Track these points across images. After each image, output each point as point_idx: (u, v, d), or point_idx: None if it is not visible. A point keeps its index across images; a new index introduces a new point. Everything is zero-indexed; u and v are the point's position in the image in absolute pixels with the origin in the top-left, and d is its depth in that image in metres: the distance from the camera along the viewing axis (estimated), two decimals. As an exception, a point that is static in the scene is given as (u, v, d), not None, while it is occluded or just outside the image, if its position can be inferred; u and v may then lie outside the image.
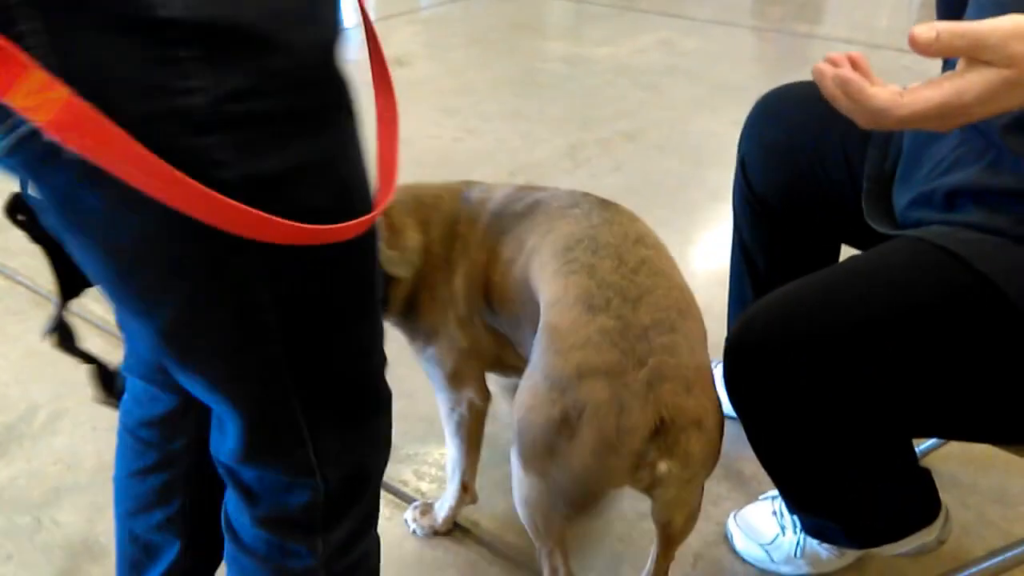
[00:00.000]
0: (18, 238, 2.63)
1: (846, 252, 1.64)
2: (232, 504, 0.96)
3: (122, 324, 1.04)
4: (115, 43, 0.64)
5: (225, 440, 0.90)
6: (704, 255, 2.65)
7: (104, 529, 1.64)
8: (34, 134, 0.63)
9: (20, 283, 2.35)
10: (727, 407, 1.26)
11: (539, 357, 1.19)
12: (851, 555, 1.55)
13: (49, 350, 2.09)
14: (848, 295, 1.23)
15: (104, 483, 1.74)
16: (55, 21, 0.61)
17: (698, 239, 2.77)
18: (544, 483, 1.20)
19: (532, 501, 1.24)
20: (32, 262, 2.43)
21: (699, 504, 1.32)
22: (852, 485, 1.31)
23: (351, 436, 0.93)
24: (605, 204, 1.39)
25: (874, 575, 1.58)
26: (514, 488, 1.26)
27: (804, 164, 1.56)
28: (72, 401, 1.94)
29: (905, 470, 1.38)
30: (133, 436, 1.16)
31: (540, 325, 1.23)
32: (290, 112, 0.72)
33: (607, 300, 1.17)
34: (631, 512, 1.71)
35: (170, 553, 1.20)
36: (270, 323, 0.79)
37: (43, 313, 2.25)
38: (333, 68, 0.74)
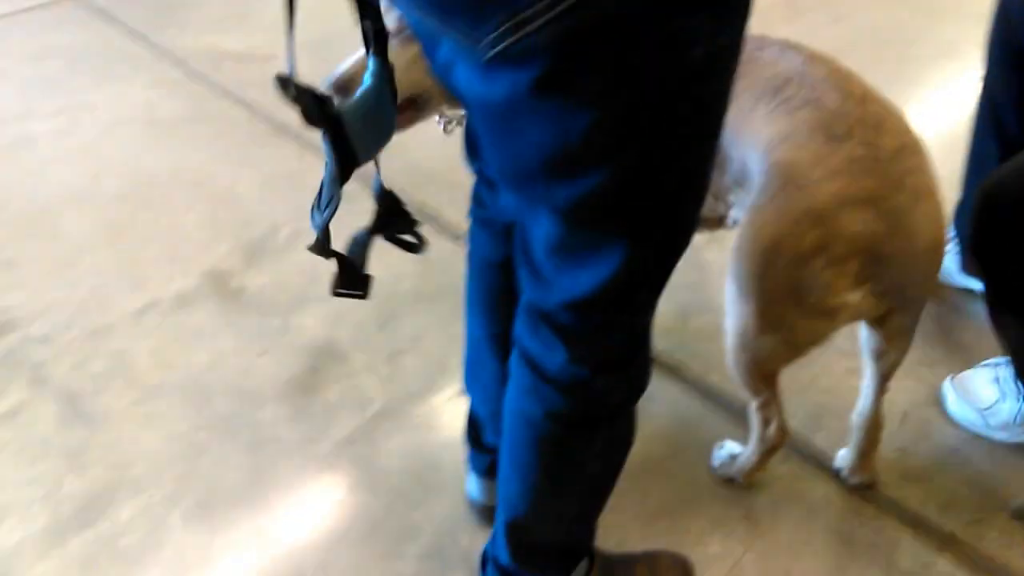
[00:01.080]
0: (255, 71, 2.79)
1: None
2: (538, 342, 1.00)
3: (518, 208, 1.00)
4: None
5: (554, 290, 0.94)
6: (932, 117, 2.49)
7: (343, 335, 1.82)
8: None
9: (257, 113, 2.54)
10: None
11: (773, 195, 1.19)
12: (1074, 428, 1.51)
13: (287, 174, 2.28)
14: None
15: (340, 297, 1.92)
16: None
17: (926, 99, 2.60)
18: (779, 326, 1.23)
19: (757, 344, 1.27)
20: (264, 95, 2.60)
21: (912, 336, 1.34)
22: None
23: (669, 269, 0.96)
24: (792, 44, 1.33)
25: (1097, 451, 1.53)
26: (735, 334, 1.29)
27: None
28: (309, 222, 2.11)
29: None
30: None
31: (765, 165, 1.22)
32: None
33: (848, 129, 1.15)
34: (838, 367, 1.71)
35: None
36: (687, 143, 0.84)
37: (280, 141, 2.42)
38: None
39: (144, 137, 2.45)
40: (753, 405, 1.40)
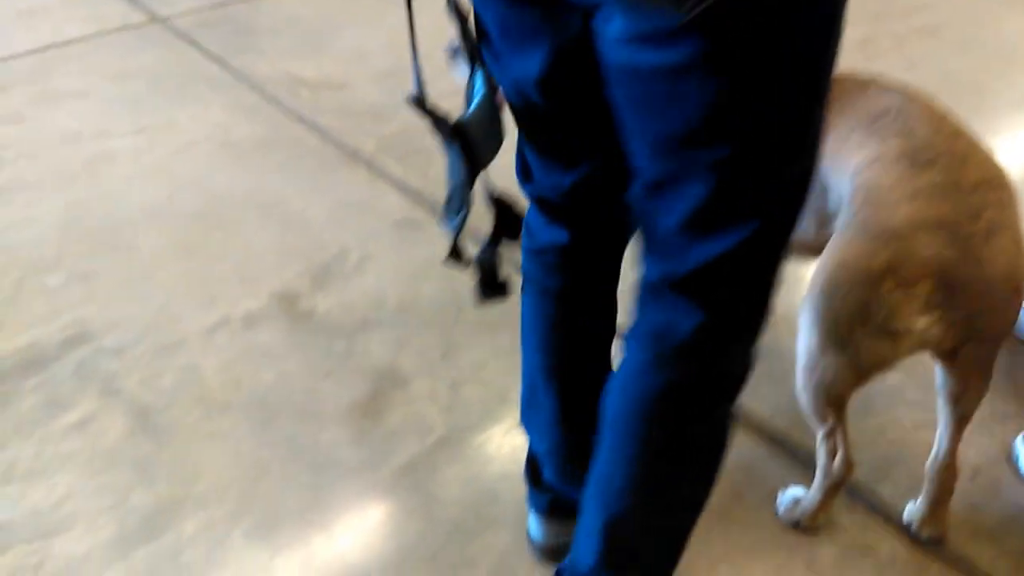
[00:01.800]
0: (329, 98, 2.85)
1: None
2: (666, 312, 1.01)
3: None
4: None
5: (688, 259, 0.96)
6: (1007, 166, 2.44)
7: (407, 361, 1.84)
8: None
9: (330, 139, 2.59)
10: None
11: (853, 215, 1.21)
12: None
13: (357, 201, 2.33)
14: None
15: (405, 323, 1.94)
16: None
17: (1002, 148, 2.55)
18: (844, 345, 1.23)
19: (823, 364, 1.27)
20: (337, 122, 2.66)
21: (989, 378, 1.32)
22: None
23: (791, 230, 0.98)
24: (897, 84, 1.36)
25: None
26: (803, 354, 1.30)
27: None
28: (377, 248, 2.15)
29: None
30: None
31: (852, 187, 1.23)
32: None
33: (933, 158, 1.17)
34: (907, 420, 1.68)
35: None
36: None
37: (351, 168, 2.47)
38: None
39: (219, 158, 2.52)
40: (819, 434, 1.38)
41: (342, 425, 1.71)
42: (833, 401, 1.32)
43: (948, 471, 1.41)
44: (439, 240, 2.18)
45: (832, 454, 1.38)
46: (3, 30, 3.16)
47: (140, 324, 1.94)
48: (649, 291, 1.05)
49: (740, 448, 1.65)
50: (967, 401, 1.34)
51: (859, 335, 1.20)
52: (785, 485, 1.55)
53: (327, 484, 1.59)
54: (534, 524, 1.45)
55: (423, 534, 1.51)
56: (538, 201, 1.20)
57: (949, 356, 1.26)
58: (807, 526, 1.48)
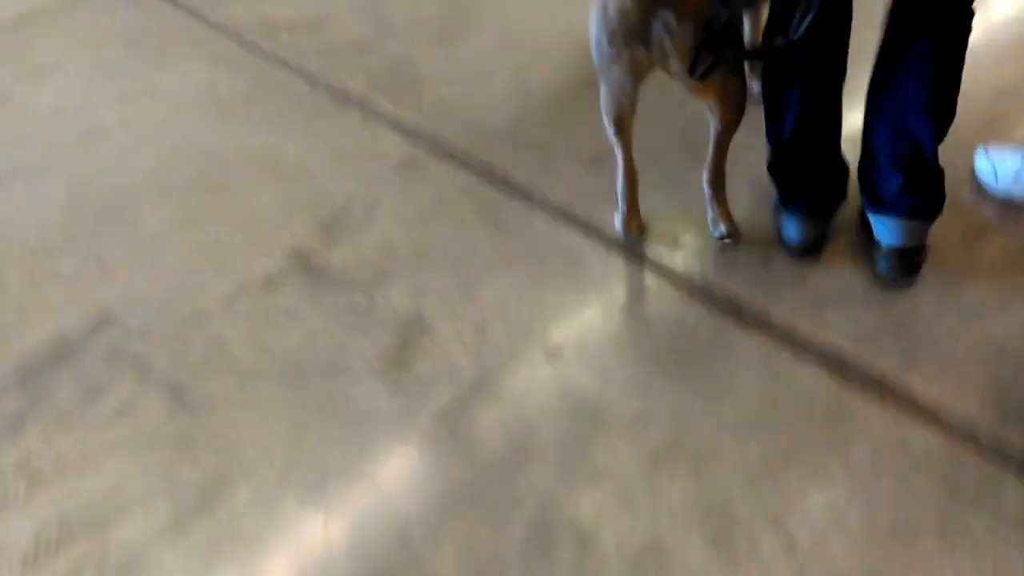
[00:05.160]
0: (308, 39, 2.78)
1: None
2: None
3: None
4: None
5: None
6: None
7: (427, 306, 1.85)
8: None
9: (318, 83, 2.54)
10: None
11: None
12: None
13: (354, 146, 2.30)
14: None
15: (421, 269, 1.94)
16: None
17: None
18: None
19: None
20: (321, 62, 2.61)
21: (736, 94, 1.71)
22: None
23: None
24: None
25: None
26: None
27: None
28: (382, 194, 2.13)
29: None
30: None
31: None
32: None
33: None
34: (930, 306, 1.68)
35: None
36: None
37: (343, 112, 2.43)
38: None
39: (209, 118, 2.48)
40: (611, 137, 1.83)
41: (373, 377, 1.73)
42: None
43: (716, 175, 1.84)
44: (442, 180, 2.16)
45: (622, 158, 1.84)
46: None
47: (159, 300, 1.94)
48: None
49: (767, 358, 1.66)
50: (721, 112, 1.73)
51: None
52: (814, 389, 1.57)
53: (367, 437, 1.63)
54: (792, 227, 1.79)
55: (466, 477, 1.55)
56: None
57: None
58: (632, 233, 1.92)
